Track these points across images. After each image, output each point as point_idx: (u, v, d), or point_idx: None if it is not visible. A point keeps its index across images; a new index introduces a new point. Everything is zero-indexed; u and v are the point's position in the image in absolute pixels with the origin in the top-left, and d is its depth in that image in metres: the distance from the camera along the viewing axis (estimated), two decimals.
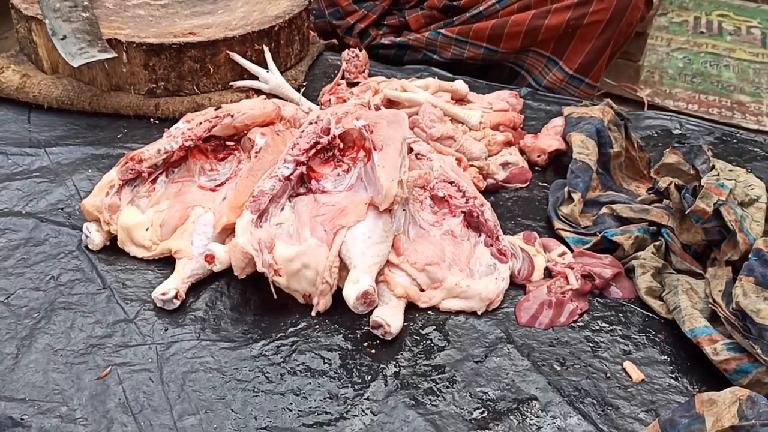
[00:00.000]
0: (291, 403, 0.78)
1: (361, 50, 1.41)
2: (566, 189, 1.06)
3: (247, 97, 1.26)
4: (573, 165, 1.08)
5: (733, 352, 0.80)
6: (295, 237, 0.89)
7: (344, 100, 1.21)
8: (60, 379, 0.79)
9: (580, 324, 0.90)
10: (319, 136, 0.95)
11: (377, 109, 1.16)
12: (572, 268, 0.94)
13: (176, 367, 0.81)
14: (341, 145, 0.97)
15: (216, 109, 1.01)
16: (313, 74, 1.42)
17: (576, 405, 0.79)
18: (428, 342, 0.87)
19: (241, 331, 0.87)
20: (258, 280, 0.89)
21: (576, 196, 1.04)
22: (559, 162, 1.20)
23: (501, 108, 1.25)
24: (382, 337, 0.85)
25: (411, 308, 0.90)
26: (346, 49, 1.41)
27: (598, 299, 0.94)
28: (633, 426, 0.78)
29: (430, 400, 0.79)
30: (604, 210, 1.04)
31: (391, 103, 1.18)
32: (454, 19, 1.50)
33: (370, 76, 1.39)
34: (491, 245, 0.95)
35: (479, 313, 0.90)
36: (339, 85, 1.27)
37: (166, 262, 0.95)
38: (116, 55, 1.18)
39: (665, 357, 0.86)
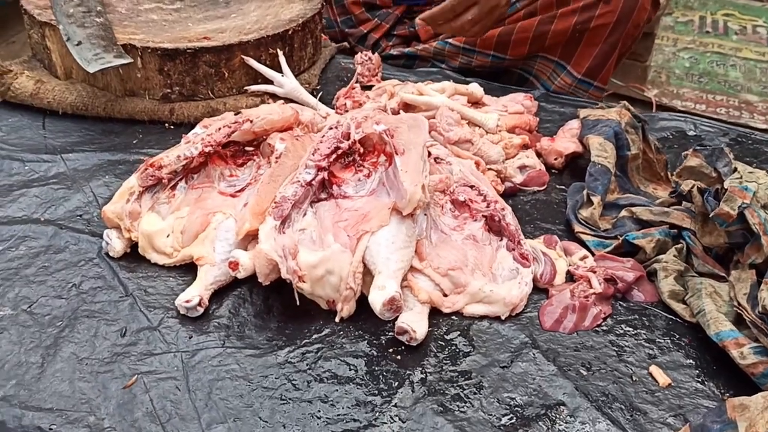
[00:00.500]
0: (319, 411, 0.78)
1: (373, 53, 1.40)
2: (585, 192, 1.06)
3: (262, 101, 1.25)
4: (591, 168, 1.08)
5: (761, 355, 0.80)
6: (318, 243, 0.89)
7: (360, 104, 1.21)
8: (86, 388, 0.79)
9: (604, 328, 0.90)
10: (339, 141, 0.95)
11: (394, 112, 1.15)
12: (595, 272, 0.94)
13: (202, 374, 0.81)
14: (361, 150, 0.97)
15: (236, 114, 1.00)
16: (326, 78, 1.42)
17: (604, 410, 0.79)
18: (453, 347, 0.86)
19: (265, 337, 0.87)
20: (280, 286, 0.89)
21: (595, 199, 1.04)
22: (575, 164, 1.20)
23: (516, 111, 1.24)
24: (407, 343, 0.85)
25: (434, 313, 0.90)
26: (359, 53, 1.40)
27: (621, 303, 0.94)
28: (662, 431, 0.77)
29: (458, 406, 0.79)
30: (623, 213, 1.04)
31: (407, 107, 1.18)
32: None
33: (383, 79, 1.39)
34: (513, 249, 0.95)
35: (503, 317, 0.90)
36: (354, 88, 1.26)
37: (188, 269, 0.95)
38: (132, 60, 1.18)
39: (690, 361, 0.86)
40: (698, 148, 0.94)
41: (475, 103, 1.24)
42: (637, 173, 1.14)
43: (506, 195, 1.11)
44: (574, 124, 1.21)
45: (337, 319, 0.88)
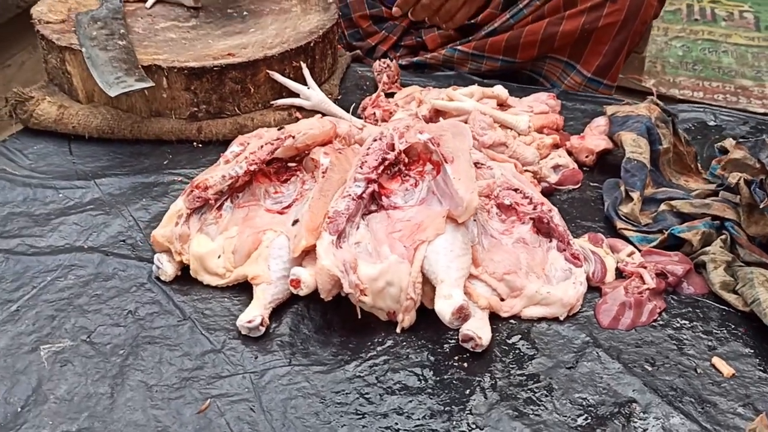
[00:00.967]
0: (396, 423, 0.78)
1: (391, 60, 1.41)
2: (623, 188, 1.08)
3: (289, 115, 1.25)
4: (627, 164, 1.09)
5: None
6: (374, 255, 0.89)
7: (390, 113, 1.21)
8: (161, 415, 0.79)
9: (661, 323, 0.91)
10: (385, 153, 0.95)
11: (426, 119, 1.16)
12: (646, 267, 0.95)
13: (274, 394, 0.81)
14: (406, 160, 0.97)
15: (279, 130, 1.00)
16: (345, 87, 1.42)
17: (675, 404, 0.80)
18: (517, 351, 0.87)
19: (330, 353, 0.87)
20: (337, 299, 0.89)
21: (635, 195, 1.06)
22: (604, 161, 1.21)
23: (541, 111, 1.26)
24: (472, 349, 0.86)
25: (492, 318, 0.91)
26: (378, 60, 1.41)
27: (673, 297, 0.95)
28: (734, 421, 0.79)
29: (532, 410, 0.80)
30: (662, 207, 1.05)
31: (437, 113, 1.19)
32: (470, 37, 1.50)
33: (402, 86, 1.39)
34: (564, 250, 0.96)
35: (561, 318, 0.91)
36: (379, 97, 1.26)
37: (241, 289, 0.94)
38: (153, 84, 1.17)
39: (750, 350, 0.88)
40: (741, 140, 0.96)
41: (501, 105, 1.25)
42: (668, 166, 1.16)
43: (543, 195, 1.11)
44: (600, 122, 1.22)
45: (398, 330, 0.89)
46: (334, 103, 1.30)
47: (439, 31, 1.54)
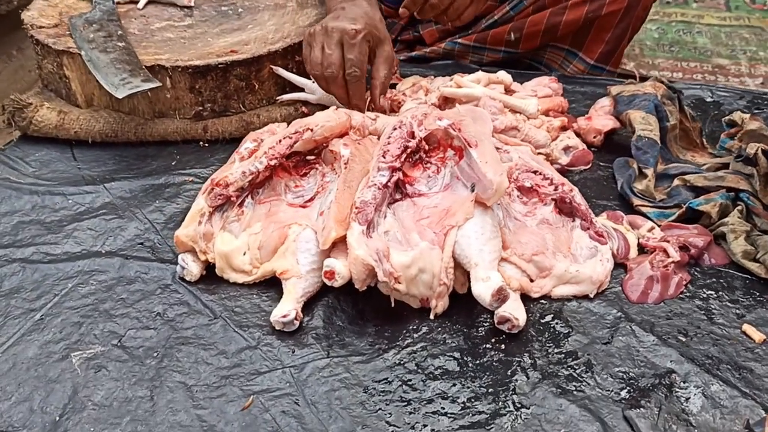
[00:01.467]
0: (443, 407, 0.78)
1: None
2: (636, 166, 1.09)
3: (295, 110, 1.25)
4: (638, 142, 1.10)
5: None
6: (404, 243, 0.89)
7: (399, 103, 1.21)
8: (205, 415, 0.78)
9: (688, 294, 0.93)
10: (406, 141, 0.95)
11: (437, 108, 1.16)
12: (668, 241, 0.96)
13: (317, 387, 0.81)
14: (426, 147, 0.97)
15: (300, 125, 0.99)
16: None
17: (713, 372, 0.82)
18: (552, 330, 0.88)
19: (367, 343, 0.86)
20: (368, 290, 0.89)
21: (649, 172, 1.07)
22: (610, 141, 1.23)
23: (546, 94, 1.26)
24: (508, 331, 0.86)
25: (523, 299, 0.91)
26: None
27: (696, 269, 0.97)
28: None
29: (574, 386, 0.81)
30: (676, 182, 1.07)
31: (446, 101, 1.19)
32: (469, 30, 1.50)
33: (402, 76, 1.39)
34: (588, 228, 0.96)
35: (591, 296, 0.92)
36: None
37: (267, 285, 0.94)
38: (160, 84, 1.15)
39: None
40: (756, 111, 0.98)
41: (505, 90, 1.26)
42: (675, 143, 1.17)
43: None
44: (605, 102, 1.23)
45: (431, 316, 0.89)
46: None
47: (437, 26, 1.53)
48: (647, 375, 0.82)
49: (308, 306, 0.90)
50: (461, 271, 0.89)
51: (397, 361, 0.84)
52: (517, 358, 0.84)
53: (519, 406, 0.78)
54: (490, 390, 0.80)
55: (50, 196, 1.10)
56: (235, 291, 0.93)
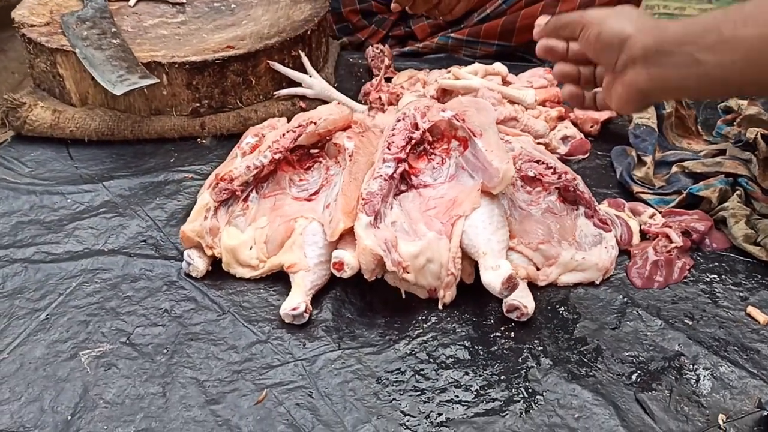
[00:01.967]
0: (456, 396, 0.79)
1: (383, 45, 1.41)
2: (634, 153, 1.10)
3: (293, 105, 1.24)
4: (636, 130, 1.11)
5: None
6: (411, 233, 0.89)
7: (398, 96, 1.21)
8: (219, 409, 0.77)
9: (691, 279, 0.94)
10: (411, 132, 0.95)
11: (436, 100, 1.16)
12: (671, 227, 0.97)
13: (330, 379, 0.81)
14: (430, 139, 0.97)
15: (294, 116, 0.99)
16: (340, 74, 1.42)
17: (721, 354, 0.83)
18: (560, 317, 0.88)
19: (377, 334, 0.87)
20: (375, 282, 0.89)
21: (647, 159, 1.08)
22: (606, 130, 1.24)
23: (541, 85, 1.27)
24: (517, 319, 0.87)
25: (530, 288, 0.91)
26: (370, 47, 1.40)
27: (698, 253, 0.98)
28: None
29: (585, 371, 0.81)
30: (674, 169, 1.08)
31: (444, 93, 1.19)
32: (462, 25, 1.50)
33: (397, 70, 1.39)
34: (591, 216, 0.97)
35: (597, 282, 0.93)
36: (381, 81, 1.26)
37: (274, 280, 0.93)
38: (158, 80, 1.14)
39: None
40: (754, 96, 0.99)
41: (502, 81, 1.26)
42: (671, 130, 1.19)
43: None
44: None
45: (440, 306, 0.89)
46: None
47: (429, 21, 1.54)
48: (656, 359, 0.82)
49: (316, 299, 0.90)
50: (468, 261, 0.90)
51: (409, 351, 0.84)
52: (527, 346, 0.84)
53: (532, 392, 0.79)
54: (502, 377, 0.81)
55: (48, 195, 1.09)
56: (241, 286, 0.93)
